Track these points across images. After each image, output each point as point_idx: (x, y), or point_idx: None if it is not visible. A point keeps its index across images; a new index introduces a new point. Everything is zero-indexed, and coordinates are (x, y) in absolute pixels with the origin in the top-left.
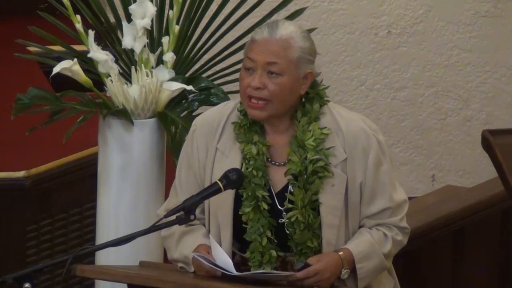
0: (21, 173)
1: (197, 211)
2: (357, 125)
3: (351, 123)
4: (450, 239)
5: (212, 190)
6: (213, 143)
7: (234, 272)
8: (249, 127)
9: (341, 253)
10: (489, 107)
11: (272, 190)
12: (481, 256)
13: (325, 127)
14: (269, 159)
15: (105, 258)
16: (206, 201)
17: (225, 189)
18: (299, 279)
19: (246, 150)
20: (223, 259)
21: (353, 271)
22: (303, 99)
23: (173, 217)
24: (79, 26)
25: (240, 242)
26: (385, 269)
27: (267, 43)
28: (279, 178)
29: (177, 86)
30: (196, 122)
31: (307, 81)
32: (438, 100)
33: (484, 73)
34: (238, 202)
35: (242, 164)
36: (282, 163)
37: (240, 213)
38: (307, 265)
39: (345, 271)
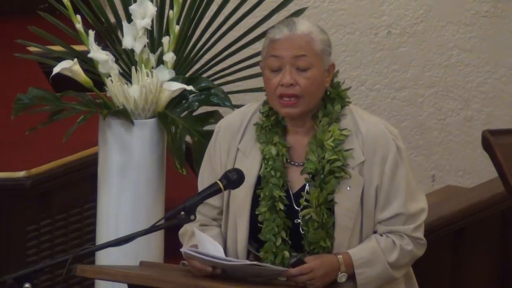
0: (21, 173)
1: (215, 212)
2: (378, 129)
3: (372, 127)
4: (450, 239)
5: (212, 190)
6: (235, 143)
7: (224, 257)
8: (270, 128)
9: (339, 256)
10: (489, 107)
11: (290, 191)
12: (481, 256)
13: (345, 129)
14: (289, 160)
15: (105, 258)
16: (224, 201)
17: (225, 189)
18: (293, 275)
19: (265, 151)
20: (212, 248)
21: (354, 276)
22: (324, 99)
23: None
24: (79, 26)
25: (257, 242)
26: (392, 278)
27: (290, 39)
28: (297, 178)
29: (177, 86)
30: (221, 123)
31: (330, 74)
32: (438, 100)
33: (484, 73)
34: (256, 202)
35: (261, 164)
36: (301, 164)
37: (256, 212)
38: (301, 261)
39: (341, 274)
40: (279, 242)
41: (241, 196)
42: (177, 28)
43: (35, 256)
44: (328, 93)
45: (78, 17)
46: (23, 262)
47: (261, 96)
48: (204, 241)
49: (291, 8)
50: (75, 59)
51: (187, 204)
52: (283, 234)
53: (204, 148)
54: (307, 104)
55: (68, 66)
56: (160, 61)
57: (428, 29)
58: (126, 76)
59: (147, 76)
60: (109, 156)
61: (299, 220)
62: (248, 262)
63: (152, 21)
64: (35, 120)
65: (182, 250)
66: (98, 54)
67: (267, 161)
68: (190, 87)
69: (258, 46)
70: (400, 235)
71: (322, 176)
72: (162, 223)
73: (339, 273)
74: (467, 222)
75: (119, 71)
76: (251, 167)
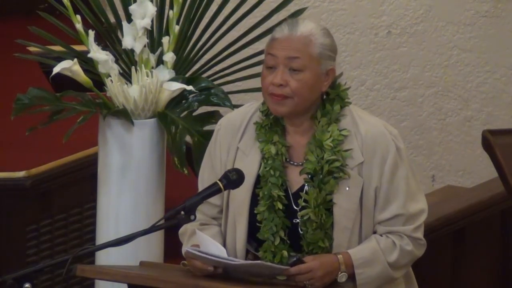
0: (21, 173)
1: (215, 211)
2: (377, 130)
3: (371, 127)
4: (450, 239)
5: (212, 190)
6: (235, 142)
7: (227, 257)
8: (270, 127)
9: (340, 256)
10: (489, 107)
11: (289, 190)
12: (481, 256)
13: (344, 129)
14: (288, 160)
15: (105, 258)
16: (224, 200)
17: (225, 189)
18: (292, 274)
19: (265, 150)
20: (215, 249)
21: (354, 276)
22: (324, 100)
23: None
24: (79, 26)
25: (256, 241)
26: (392, 278)
27: (288, 39)
28: (296, 178)
29: (177, 86)
30: (222, 122)
31: (329, 78)
32: (438, 100)
33: (484, 73)
34: (255, 201)
35: (261, 163)
36: (301, 164)
37: (255, 212)
38: (300, 261)
39: (341, 274)
40: (277, 241)
41: (241, 196)
42: (177, 28)
43: (35, 256)
44: (324, 96)
45: (78, 17)
46: (23, 262)
47: (261, 96)
48: (206, 242)
49: (291, 8)
50: (75, 59)
51: (187, 204)
52: (282, 233)
53: (204, 148)
54: (295, 105)
55: (68, 66)
56: (160, 61)
57: (428, 29)
58: (126, 76)
59: (147, 76)
60: (109, 156)
61: (297, 220)
62: (252, 262)
63: (152, 21)
64: (35, 120)
65: (184, 249)
66: (98, 54)
67: (267, 160)
68: (190, 87)
69: (258, 46)
70: (400, 235)
71: (321, 176)
72: (162, 223)
73: (339, 272)
74: (467, 222)
75: (119, 71)
76: (250, 166)
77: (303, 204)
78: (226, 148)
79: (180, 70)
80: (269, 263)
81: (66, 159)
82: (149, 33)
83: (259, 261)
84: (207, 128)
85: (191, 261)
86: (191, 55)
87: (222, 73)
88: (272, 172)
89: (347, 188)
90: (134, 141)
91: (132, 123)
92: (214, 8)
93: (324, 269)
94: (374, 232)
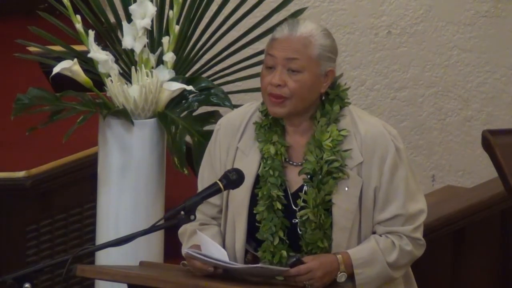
0: (21, 173)
1: (215, 211)
2: (376, 130)
3: (371, 127)
4: (450, 239)
5: (212, 190)
6: (234, 142)
7: (227, 260)
8: (269, 127)
9: (339, 255)
10: (489, 107)
11: (288, 190)
12: (481, 256)
13: (344, 129)
14: (288, 160)
15: (105, 258)
16: (224, 200)
17: (225, 189)
18: (291, 275)
19: (264, 150)
20: (216, 251)
21: (353, 276)
22: (323, 100)
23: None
24: (79, 26)
25: (256, 241)
26: (391, 278)
27: (288, 40)
28: (296, 178)
29: (177, 86)
30: (221, 121)
31: (328, 79)
32: (438, 100)
33: (484, 73)
34: (254, 201)
35: (260, 163)
36: (300, 164)
37: (254, 211)
38: (299, 261)
39: (341, 274)
40: (276, 241)
41: (240, 195)
42: (177, 28)
43: (35, 256)
44: (323, 96)
45: (78, 17)
46: (23, 262)
47: (261, 96)
48: (207, 244)
49: (291, 8)
50: (75, 59)
51: (187, 204)
52: (281, 233)
53: (204, 148)
54: (294, 105)
55: (68, 66)
56: (160, 61)
57: (428, 29)
58: (126, 76)
59: (147, 76)
60: (109, 156)
61: (297, 220)
62: (251, 265)
63: (152, 21)
64: (35, 120)
65: (184, 250)
66: (98, 54)
67: (266, 160)
68: (190, 87)
69: (258, 46)
70: (399, 235)
71: (320, 176)
72: (162, 223)
73: (339, 272)
74: (467, 222)
75: (119, 71)
76: (250, 166)
77: (302, 204)
78: (225, 148)
79: (180, 70)
80: (268, 265)
81: (66, 159)
82: (149, 33)
83: (258, 264)
84: (207, 128)
85: (191, 261)
86: (191, 55)
87: (222, 73)
88: (271, 172)
89: (346, 188)
90: (134, 141)
91: (132, 123)
92: (214, 8)
93: (324, 269)
94: (374, 232)
